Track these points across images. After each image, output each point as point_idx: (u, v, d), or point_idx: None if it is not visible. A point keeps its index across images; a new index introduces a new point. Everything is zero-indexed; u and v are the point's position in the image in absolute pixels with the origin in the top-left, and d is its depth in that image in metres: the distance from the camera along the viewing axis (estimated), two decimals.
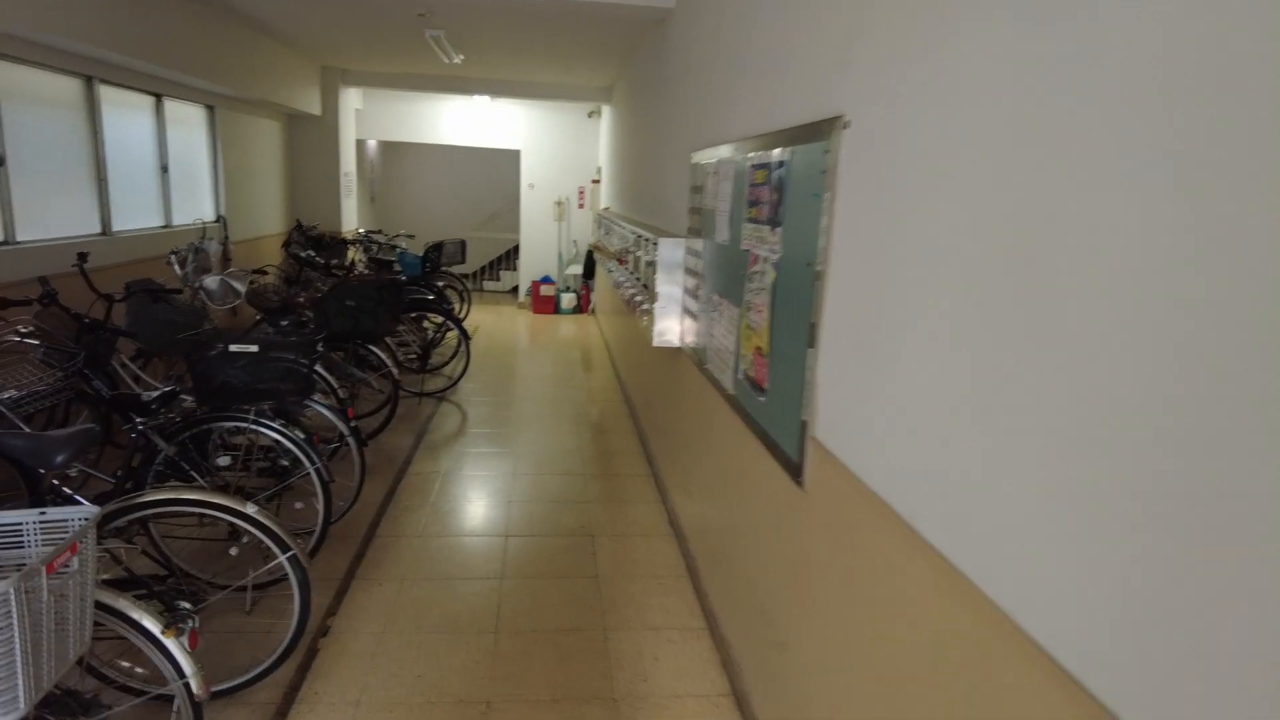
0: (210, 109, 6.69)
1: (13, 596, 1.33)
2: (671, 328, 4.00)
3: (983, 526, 1.34)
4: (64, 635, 1.52)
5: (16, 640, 1.36)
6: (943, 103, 1.51)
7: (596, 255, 7.51)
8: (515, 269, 13.08)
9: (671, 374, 4.38)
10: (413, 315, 6.47)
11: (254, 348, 2.97)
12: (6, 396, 3.37)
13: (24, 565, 1.47)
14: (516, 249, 13.28)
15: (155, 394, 3.02)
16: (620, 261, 5.77)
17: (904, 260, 1.64)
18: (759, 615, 2.62)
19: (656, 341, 4.01)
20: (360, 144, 11.32)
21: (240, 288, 4.69)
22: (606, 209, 8.83)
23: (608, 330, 9.09)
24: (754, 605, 2.70)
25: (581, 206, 11.33)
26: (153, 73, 5.44)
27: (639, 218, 5.92)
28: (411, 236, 9.96)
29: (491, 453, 5.25)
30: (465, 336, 6.39)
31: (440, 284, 8.62)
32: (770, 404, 2.44)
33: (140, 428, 3.01)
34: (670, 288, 3.96)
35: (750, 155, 2.73)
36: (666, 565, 3.82)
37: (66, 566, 1.44)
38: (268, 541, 2.50)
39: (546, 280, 11.23)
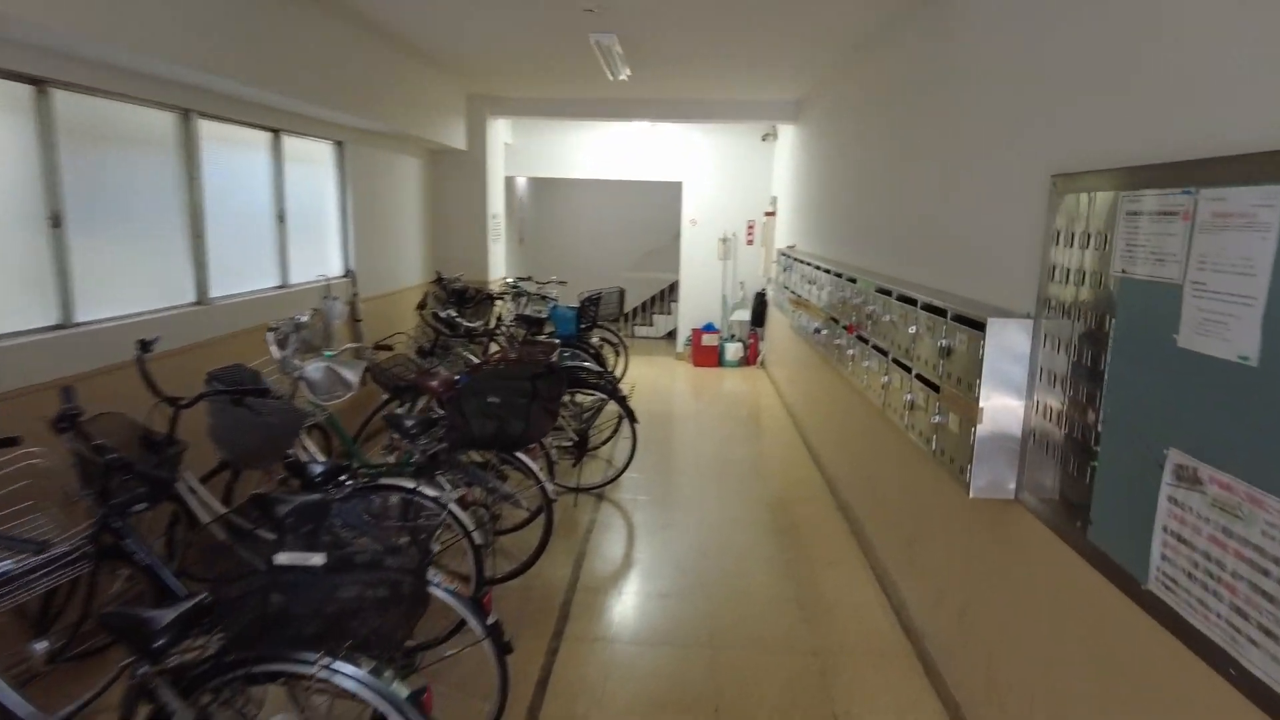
0: (339, 145, 5.74)
1: None
2: (1005, 469, 2.40)
3: None
4: None
5: None
6: None
7: (797, 311, 5.98)
8: (670, 311, 11.78)
9: (985, 530, 2.75)
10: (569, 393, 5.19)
11: (317, 560, 1.64)
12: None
13: None
14: (673, 287, 11.99)
15: (169, 617, 1.76)
16: (848, 328, 4.21)
17: None
18: None
19: (978, 490, 2.42)
20: (509, 182, 10.41)
21: (352, 377, 3.53)
22: (791, 248, 7.30)
23: (787, 390, 7.50)
24: None
25: (750, 243, 9.85)
26: (269, 103, 4.47)
27: (874, 267, 4.35)
28: (563, 283, 8.81)
29: (669, 605, 3.79)
30: (631, 419, 5.01)
31: (596, 339, 7.39)
32: None
33: (138, 675, 1.76)
34: (1002, 401, 2.37)
35: None
36: None
37: None
38: None
39: (709, 328, 9.79)
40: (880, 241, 4.28)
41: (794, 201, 7.69)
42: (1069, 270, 2.12)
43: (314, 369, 3.47)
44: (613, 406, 5.24)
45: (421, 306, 5.47)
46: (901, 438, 3.50)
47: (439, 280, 6.61)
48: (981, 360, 2.36)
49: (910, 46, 3.93)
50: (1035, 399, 2.30)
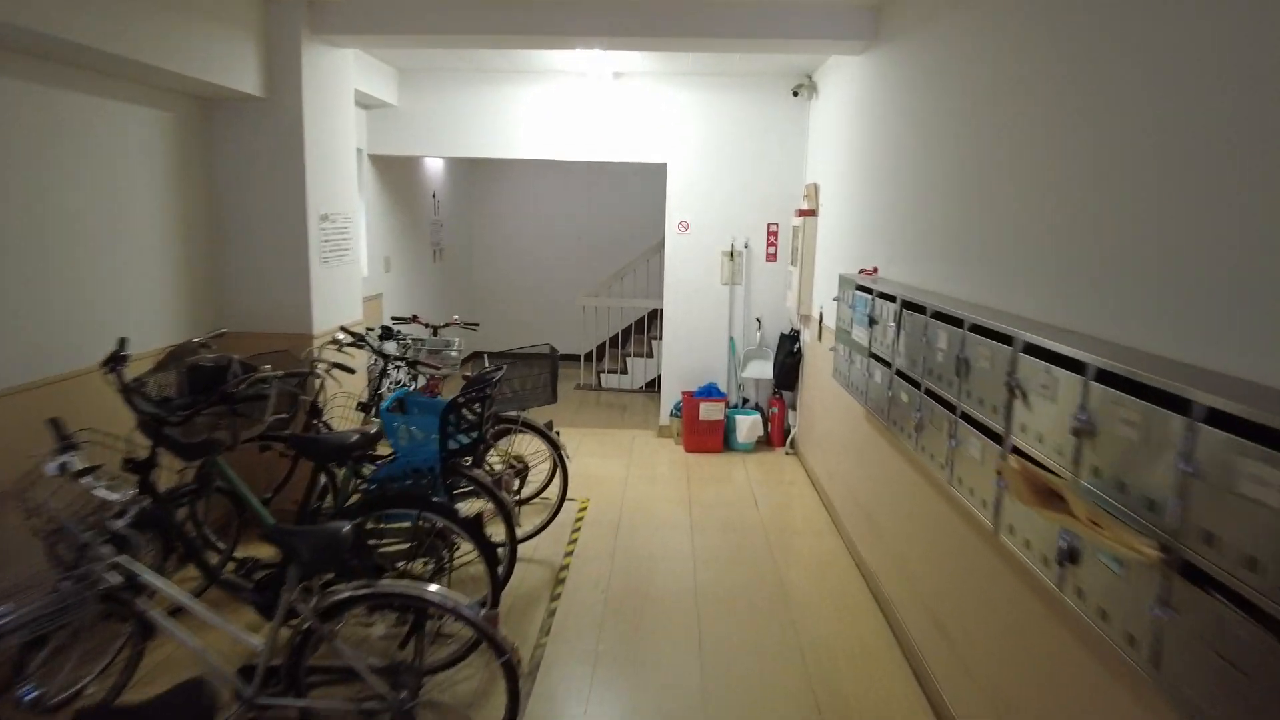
0: None
1: None
2: None
3: None
4: None
5: None
6: None
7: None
8: (652, 353, 8.31)
9: None
10: None
11: None
12: None
13: None
14: (655, 315, 8.61)
15: None
16: None
17: None
18: None
19: None
20: (407, 166, 6.89)
21: None
22: (873, 275, 3.89)
23: (844, 502, 4.05)
24: None
25: (772, 259, 6.42)
26: None
27: None
28: (473, 327, 5.37)
29: None
30: None
31: (499, 457, 4.00)
32: None
33: None
34: None
35: None
36: None
37: None
38: None
39: (710, 392, 6.36)
40: None
41: (865, 191, 4.25)
42: None
43: None
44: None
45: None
46: None
47: (113, 359, 2.87)
48: None
49: None
50: None
